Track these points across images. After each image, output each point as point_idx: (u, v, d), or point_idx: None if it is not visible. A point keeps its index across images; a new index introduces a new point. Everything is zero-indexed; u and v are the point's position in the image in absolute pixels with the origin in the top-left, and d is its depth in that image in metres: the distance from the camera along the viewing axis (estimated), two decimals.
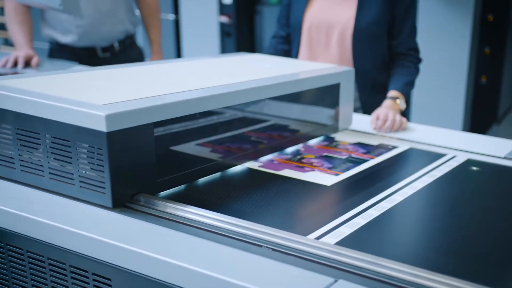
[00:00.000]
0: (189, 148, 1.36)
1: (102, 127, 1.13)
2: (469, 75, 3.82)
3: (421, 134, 1.84)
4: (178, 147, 1.33)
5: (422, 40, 2.31)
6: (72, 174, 1.21)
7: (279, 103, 1.58)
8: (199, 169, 1.38)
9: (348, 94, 1.82)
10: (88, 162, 1.17)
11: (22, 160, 1.29)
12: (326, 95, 1.76)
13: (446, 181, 1.44)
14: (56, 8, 1.87)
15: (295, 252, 1.03)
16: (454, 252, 1.06)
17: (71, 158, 1.20)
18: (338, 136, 1.76)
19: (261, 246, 1.05)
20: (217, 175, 1.41)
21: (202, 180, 1.38)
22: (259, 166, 1.47)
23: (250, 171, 1.45)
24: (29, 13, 2.63)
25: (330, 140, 1.71)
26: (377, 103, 2.05)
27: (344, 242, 1.06)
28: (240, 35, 4.62)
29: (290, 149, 1.61)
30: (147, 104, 1.22)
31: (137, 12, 2.91)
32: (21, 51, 2.55)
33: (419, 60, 2.23)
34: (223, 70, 1.69)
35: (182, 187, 1.33)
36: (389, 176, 1.47)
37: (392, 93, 2.08)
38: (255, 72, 1.66)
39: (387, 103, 2.01)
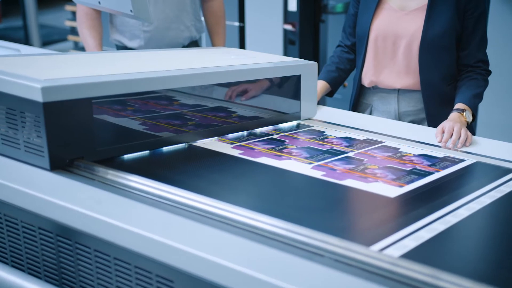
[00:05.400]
0: (130, 123, 1.55)
1: (39, 98, 1.31)
2: None
3: (488, 148, 1.80)
4: (120, 121, 1.52)
5: (491, 51, 2.25)
6: (18, 139, 1.40)
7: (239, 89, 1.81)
8: (142, 143, 1.57)
9: (310, 86, 1.99)
10: (30, 129, 1.36)
11: None
12: (288, 85, 1.94)
13: None
14: (127, 14, 1.91)
15: (356, 263, 1.02)
16: None
17: (17, 125, 1.39)
18: (402, 148, 1.73)
19: (323, 256, 1.05)
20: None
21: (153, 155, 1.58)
22: (315, 169, 1.47)
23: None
24: (100, 19, 2.70)
25: (393, 151, 1.69)
26: (443, 116, 2.00)
27: (409, 255, 1.05)
28: (304, 44, 4.61)
29: (353, 159, 1.60)
30: (84, 81, 1.40)
31: (203, 18, 2.94)
32: None
33: (488, 73, 2.18)
34: (185, 59, 1.93)
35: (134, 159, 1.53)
36: (455, 190, 1.44)
37: (458, 105, 2.03)
38: (216, 61, 1.89)
39: (453, 115, 1.97)
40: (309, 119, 2.03)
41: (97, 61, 1.76)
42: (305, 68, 1.97)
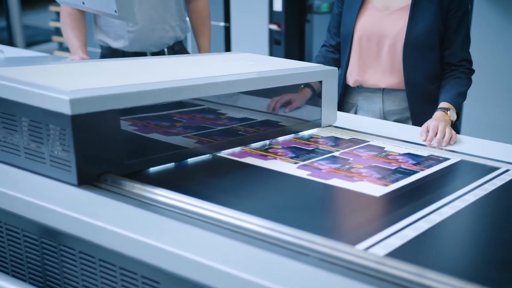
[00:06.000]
0: (159, 134, 1.47)
1: (67, 110, 1.24)
2: None
3: (472, 147, 1.81)
4: (147, 133, 1.45)
5: (474, 50, 2.27)
6: (44, 153, 1.32)
7: (260, 97, 1.73)
8: (170, 154, 1.49)
9: (331, 92, 1.93)
10: (56, 143, 1.29)
11: (1, 141, 1.41)
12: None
13: (498, 195, 1.41)
14: (111, 14, 1.90)
15: (342, 262, 1.02)
16: (507, 267, 1.04)
17: (42, 139, 1.32)
18: (388, 147, 1.74)
19: (308, 255, 1.05)
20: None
21: (180, 166, 1.51)
22: (306, 174, 1.47)
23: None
24: (84, 19, 2.69)
25: (379, 150, 1.70)
26: (428, 115, 2.02)
27: (393, 254, 1.05)
28: (289, 43, 4.62)
29: (339, 158, 1.60)
30: (112, 91, 1.32)
31: (188, 18, 2.94)
32: (76, 55, 2.60)
33: (471, 71, 2.19)
34: (205, 65, 1.82)
35: (159, 171, 1.46)
36: (440, 188, 1.44)
37: (443, 104, 2.05)
38: (235, 68, 1.79)
39: (437, 114, 1.98)
40: (329, 126, 1.97)
41: (117, 69, 1.67)
42: (326, 74, 1.91)
